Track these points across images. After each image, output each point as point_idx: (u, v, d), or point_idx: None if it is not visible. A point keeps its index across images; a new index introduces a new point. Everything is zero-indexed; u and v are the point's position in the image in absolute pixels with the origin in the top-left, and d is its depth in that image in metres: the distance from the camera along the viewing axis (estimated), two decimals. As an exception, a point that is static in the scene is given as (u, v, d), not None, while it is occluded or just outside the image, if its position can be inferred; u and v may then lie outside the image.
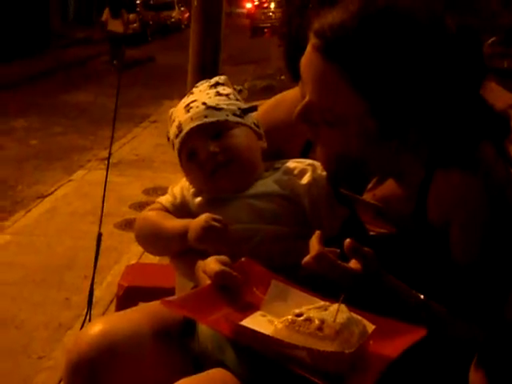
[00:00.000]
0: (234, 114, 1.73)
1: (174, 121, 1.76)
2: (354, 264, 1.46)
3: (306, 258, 1.46)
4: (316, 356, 1.30)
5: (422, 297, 1.53)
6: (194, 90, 1.79)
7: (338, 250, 1.47)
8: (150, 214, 1.79)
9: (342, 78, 1.49)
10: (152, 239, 1.79)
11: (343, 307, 1.36)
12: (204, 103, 1.72)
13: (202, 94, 1.76)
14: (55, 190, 6.77)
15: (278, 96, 1.93)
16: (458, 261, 1.57)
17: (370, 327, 1.38)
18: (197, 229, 1.62)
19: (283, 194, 1.67)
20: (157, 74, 15.73)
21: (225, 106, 1.73)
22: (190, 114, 1.71)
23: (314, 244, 1.47)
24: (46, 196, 6.57)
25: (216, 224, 1.60)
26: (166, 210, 1.77)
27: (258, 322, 1.44)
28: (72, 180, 7.12)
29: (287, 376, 1.43)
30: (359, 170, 1.71)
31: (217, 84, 1.79)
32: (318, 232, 1.49)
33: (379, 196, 1.67)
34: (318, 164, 1.72)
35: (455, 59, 1.52)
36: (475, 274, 1.57)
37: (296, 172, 1.71)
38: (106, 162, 3.33)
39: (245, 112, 1.75)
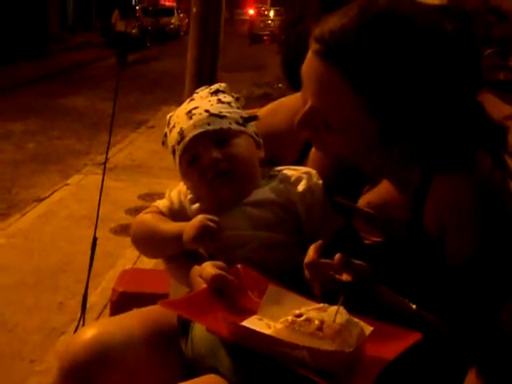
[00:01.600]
0: (237, 123, 1.73)
1: (174, 127, 1.75)
2: (346, 276, 1.46)
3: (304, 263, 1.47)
4: (316, 355, 1.31)
5: (414, 307, 1.53)
6: (195, 96, 1.79)
7: (335, 261, 1.47)
8: (146, 217, 1.79)
9: (344, 82, 1.50)
10: (147, 241, 1.79)
11: (342, 309, 1.38)
12: (207, 110, 1.72)
13: (204, 100, 1.76)
14: (51, 193, 6.77)
15: (275, 103, 1.93)
16: (452, 267, 1.58)
17: (368, 329, 1.40)
18: (192, 229, 1.62)
19: (279, 202, 1.68)
20: (155, 79, 15.74)
21: (227, 114, 1.73)
22: (192, 121, 1.71)
23: (310, 252, 1.48)
24: (42, 200, 6.57)
25: (211, 224, 1.60)
26: (162, 214, 1.77)
27: (256, 325, 1.45)
28: (68, 184, 7.12)
29: (281, 382, 1.43)
30: (356, 175, 1.71)
31: (217, 91, 1.79)
32: (319, 242, 1.50)
33: (374, 204, 1.68)
34: (313, 172, 1.73)
35: (454, 63, 1.53)
36: (470, 280, 1.57)
37: (292, 180, 1.71)
38: (103, 166, 3.34)
39: (247, 121, 1.76)
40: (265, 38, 29.63)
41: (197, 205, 1.72)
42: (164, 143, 1.83)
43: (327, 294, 1.47)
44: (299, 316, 1.38)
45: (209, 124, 1.70)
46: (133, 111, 11.15)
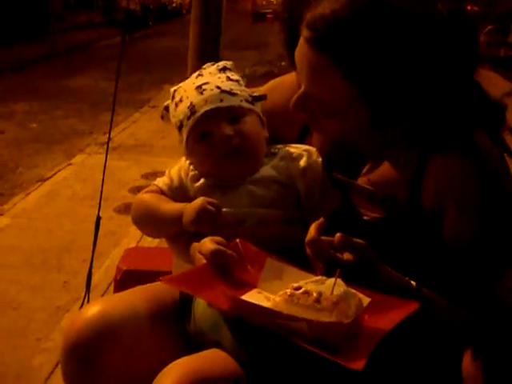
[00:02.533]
0: (247, 101, 1.74)
1: (181, 101, 1.75)
2: (347, 255, 1.47)
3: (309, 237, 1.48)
4: (315, 327, 1.34)
5: (414, 284, 1.54)
6: (203, 71, 1.79)
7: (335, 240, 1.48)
8: (146, 197, 1.80)
9: (335, 69, 1.51)
10: (147, 222, 1.80)
11: (339, 281, 1.39)
12: (218, 87, 1.72)
13: (213, 77, 1.76)
14: (55, 173, 6.78)
15: (275, 80, 1.94)
16: (450, 244, 1.59)
17: (366, 300, 1.42)
18: (191, 212, 1.63)
19: (279, 180, 1.69)
20: (157, 59, 15.69)
21: (238, 92, 1.74)
22: (203, 97, 1.71)
23: (311, 231, 1.49)
24: (46, 179, 6.57)
25: (211, 208, 1.61)
26: (162, 192, 1.78)
27: (256, 298, 1.47)
28: (72, 164, 7.12)
29: (283, 355, 1.45)
30: (354, 155, 1.72)
31: (225, 68, 1.80)
32: (320, 220, 1.50)
33: (373, 180, 1.69)
34: (313, 150, 1.74)
35: (448, 45, 1.53)
36: (467, 258, 1.58)
37: (292, 157, 1.73)
38: (106, 146, 3.34)
39: (255, 99, 1.76)
40: (268, 16, 29.45)
41: (199, 182, 1.73)
42: (163, 117, 1.83)
43: (329, 272, 1.48)
44: (298, 289, 1.40)
45: (221, 100, 1.71)
46: (135, 91, 11.13)
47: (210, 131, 1.70)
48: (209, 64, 1.83)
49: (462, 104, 1.60)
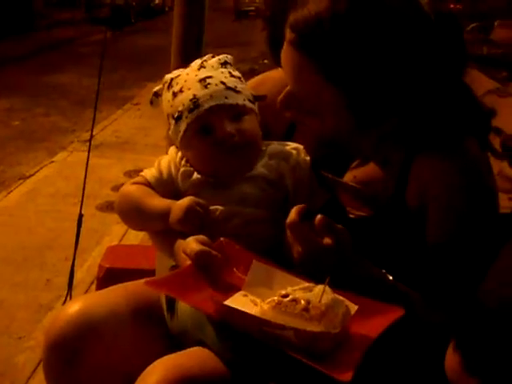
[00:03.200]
0: (249, 100, 1.73)
1: (181, 91, 1.72)
2: (327, 240, 1.48)
3: (289, 220, 1.48)
4: (303, 336, 1.33)
5: (390, 278, 1.55)
6: (205, 64, 1.77)
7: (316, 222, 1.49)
8: (133, 189, 1.77)
9: (318, 72, 1.51)
10: (132, 215, 1.78)
11: (327, 288, 1.39)
12: (223, 83, 1.71)
13: (216, 71, 1.74)
14: (37, 171, 6.74)
15: (261, 75, 1.94)
16: (432, 243, 1.59)
17: (353, 308, 1.42)
18: (179, 211, 1.62)
19: (269, 178, 1.68)
20: (140, 56, 15.64)
21: (241, 90, 1.73)
22: (208, 91, 1.69)
23: (292, 214, 1.49)
24: (28, 177, 6.54)
25: (199, 209, 1.60)
26: (149, 184, 1.75)
27: (241, 302, 1.46)
28: (54, 161, 7.09)
29: (268, 354, 1.45)
30: (341, 153, 1.72)
31: (226, 63, 1.78)
32: (302, 204, 1.51)
33: (360, 178, 1.69)
34: (301, 148, 1.74)
35: (434, 47, 1.53)
36: (447, 257, 1.59)
37: (282, 155, 1.72)
38: (88, 143, 3.33)
39: (255, 99, 1.76)
40: (250, 13, 29.43)
41: (190, 178, 1.71)
42: (153, 102, 1.81)
43: (307, 260, 1.49)
44: (285, 296, 1.39)
45: (226, 97, 1.69)
46: (118, 88, 11.08)
47: (212, 127, 1.69)
48: (209, 56, 1.80)
49: (450, 106, 1.60)
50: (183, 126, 1.71)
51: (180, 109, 1.71)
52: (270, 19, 1.82)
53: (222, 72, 1.74)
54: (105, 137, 8.05)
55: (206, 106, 1.68)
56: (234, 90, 1.71)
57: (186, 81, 1.73)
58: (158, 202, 1.71)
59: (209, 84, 1.70)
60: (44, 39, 17.96)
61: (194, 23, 3.26)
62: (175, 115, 1.72)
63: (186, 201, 1.63)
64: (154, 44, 16.74)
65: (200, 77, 1.72)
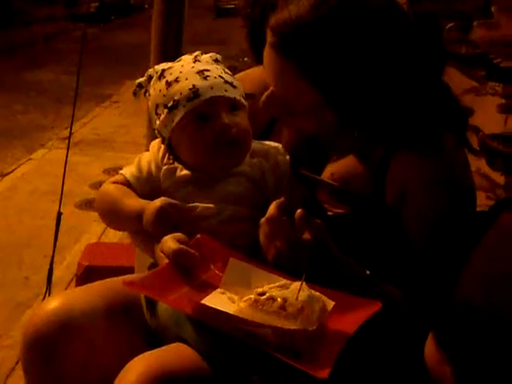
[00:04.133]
0: (243, 96, 1.74)
1: (177, 81, 1.72)
2: (305, 235, 1.50)
3: (262, 220, 1.49)
4: (280, 334, 1.34)
5: (367, 272, 1.56)
6: (198, 58, 1.77)
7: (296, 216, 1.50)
8: (111, 189, 1.76)
9: (299, 75, 1.53)
10: (110, 216, 1.78)
11: (304, 285, 1.39)
12: (221, 77, 1.72)
13: (212, 66, 1.75)
14: (15, 168, 6.70)
15: (240, 74, 1.94)
16: (410, 239, 1.61)
17: (330, 304, 1.43)
18: (150, 214, 1.61)
19: (253, 177, 1.69)
20: (119, 53, 15.58)
21: (237, 86, 1.74)
22: (208, 83, 1.69)
23: (271, 209, 1.50)
24: (6, 175, 6.50)
25: (170, 210, 1.60)
26: (128, 183, 1.75)
27: (219, 300, 1.46)
28: (32, 159, 7.05)
29: (248, 349, 1.45)
30: (320, 149, 1.73)
31: (217, 60, 1.79)
32: (281, 199, 1.52)
33: (338, 175, 1.70)
34: (280, 146, 1.75)
35: (414, 47, 1.54)
36: (426, 253, 1.60)
37: (262, 154, 1.73)
38: (67, 141, 3.32)
39: (246, 97, 1.76)
40: (231, 11, 29.39)
41: (173, 176, 1.71)
42: (136, 94, 1.80)
43: (285, 255, 1.49)
44: (262, 294, 1.40)
45: (226, 90, 1.70)
46: (97, 85, 11.03)
47: (210, 117, 1.69)
48: (198, 52, 1.81)
49: (428, 104, 1.61)
50: (179, 114, 1.70)
51: (176, 97, 1.71)
52: (250, 16, 1.82)
53: (217, 68, 1.75)
54: (84, 134, 8.01)
55: (207, 96, 1.68)
56: (232, 84, 1.72)
57: (181, 72, 1.73)
58: (133, 202, 1.71)
59: (208, 76, 1.71)
60: (23, 36, 17.84)
61: (173, 20, 3.26)
62: (169, 104, 1.71)
63: (157, 203, 1.62)
64: (133, 41, 16.67)
65: (198, 69, 1.72)
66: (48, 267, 3.12)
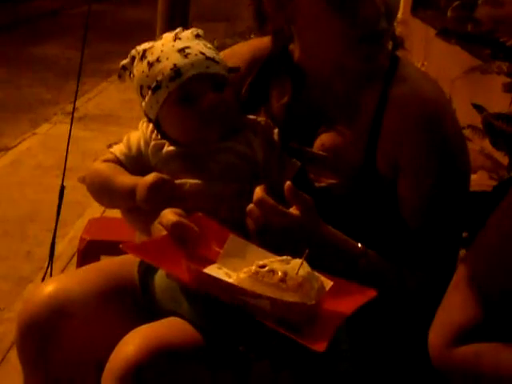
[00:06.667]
0: (226, 71, 1.73)
1: (159, 61, 1.71)
2: (294, 210, 1.50)
3: (249, 206, 1.50)
4: (278, 306, 1.35)
5: (359, 245, 1.57)
6: (180, 35, 1.76)
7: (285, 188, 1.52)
8: (102, 167, 1.76)
9: None
10: (102, 194, 1.78)
11: (304, 263, 1.40)
12: (202, 53, 1.71)
13: (192, 42, 1.74)
14: (19, 142, 6.70)
15: (228, 50, 1.94)
16: (404, 207, 1.62)
17: (328, 284, 1.43)
18: (143, 190, 1.61)
19: (240, 151, 1.68)
20: (125, 29, 15.54)
21: (220, 61, 1.73)
22: (189, 61, 1.69)
23: (258, 191, 1.51)
24: (10, 149, 6.50)
25: (162, 185, 1.60)
26: (118, 161, 1.74)
27: (216, 274, 1.46)
28: (37, 133, 7.05)
29: (240, 322, 1.45)
30: (309, 119, 1.73)
31: (198, 35, 1.78)
32: (263, 184, 1.52)
33: (328, 146, 1.70)
34: (268, 120, 1.75)
35: None
36: (423, 222, 1.61)
37: (250, 128, 1.73)
38: (71, 115, 3.31)
39: (230, 71, 1.76)
40: (237, -12, 29.30)
41: (161, 151, 1.70)
42: (121, 76, 1.80)
43: (276, 234, 1.50)
44: (263, 267, 1.40)
45: (207, 67, 1.69)
46: (103, 60, 11.01)
47: (194, 96, 1.68)
48: (179, 29, 1.80)
49: None
50: (163, 95, 1.70)
51: (159, 78, 1.70)
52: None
53: (198, 43, 1.74)
54: (89, 109, 8.00)
55: (189, 74, 1.68)
56: (214, 60, 1.71)
57: (162, 51, 1.72)
58: (125, 179, 1.70)
59: (188, 54, 1.70)
60: (29, 10, 17.79)
61: (179, -4, 3.25)
62: (152, 85, 1.71)
63: (149, 178, 1.62)
64: (139, 17, 16.62)
65: (178, 47, 1.71)
66: (50, 241, 3.13)
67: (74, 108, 3.46)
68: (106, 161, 1.78)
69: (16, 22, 15.75)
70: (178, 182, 1.64)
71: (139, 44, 1.81)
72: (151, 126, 1.76)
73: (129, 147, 1.75)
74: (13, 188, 5.45)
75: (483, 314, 1.36)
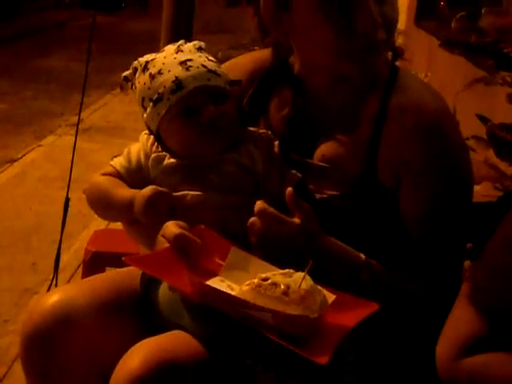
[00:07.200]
0: (228, 84, 1.73)
1: (160, 73, 1.72)
2: (296, 219, 1.52)
3: (251, 219, 1.50)
4: (281, 319, 1.35)
5: (362, 256, 1.57)
6: (182, 48, 1.77)
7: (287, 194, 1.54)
8: (101, 181, 1.76)
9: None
10: (101, 207, 1.78)
11: (307, 276, 1.40)
12: (204, 66, 1.71)
13: (194, 55, 1.75)
14: (24, 154, 6.71)
15: (229, 62, 1.95)
16: (406, 216, 1.62)
17: (330, 297, 1.43)
18: (140, 203, 1.61)
19: (241, 163, 1.68)
20: (130, 41, 15.57)
21: (221, 74, 1.73)
22: (191, 73, 1.69)
23: (259, 203, 1.51)
24: (15, 161, 6.51)
25: (160, 198, 1.60)
26: (118, 174, 1.75)
27: (218, 287, 1.46)
28: (41, 145, 7.06)
29: (243, 335, 1.45)
30: (309, 130, 1.73)
31: (201, 48, 1.78)
32: (262, 202, 1.54)
33: (328, 157, 1.70)
34: (269, 132, 1.75)
35: None
36: (425, 233, 1.61)
37: (251, 140, 1.73)
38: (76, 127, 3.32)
39: (231, 84, 1.76)
40: (242, -1, 29.32)
41: (161, 164, 1.70)
42: (123, 87, 1.80)
43: (278, 244, 1.50)
44: (265, 279, 1.40)
45: (209, 79, 1.69)
46: (108, 72, 11.02)
47: (195, 109, 1.69)
48: (182, 41, 1.81)
49: None
50: (164, 107, 1.70)
51: (160, 91, 1.71)
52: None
53: (200, 56, 1.75)
54: (94, 121, 8.01)
55: (190, 87, 1.68)
56: (215, 73, 1.71)
57: (164, 63, 1.73)
58: (123, 192, 1.70)
59: (190, 66, 1.70)
60: (33, 22, 17.84)
61: (184, 8, 3.26)
62: (154, 97, 1.72)
63: (146, 191, 1.62)
64: (144, 29, 16.65)
65: (180, 59, 1.72)
66: (55, 253, 3.13)
67: (78, 120, 3.47)
68: (105, 174, 1.78)
69: (20, 35, 15.79)
70: (178, 193, 1.65)
71: (141, 56, 1.82)
72: (152, 138, 1.77)
73: (129, 160, 1.75)
74: (18, 200, 5.46)
75: (490, 327, 1.36)
